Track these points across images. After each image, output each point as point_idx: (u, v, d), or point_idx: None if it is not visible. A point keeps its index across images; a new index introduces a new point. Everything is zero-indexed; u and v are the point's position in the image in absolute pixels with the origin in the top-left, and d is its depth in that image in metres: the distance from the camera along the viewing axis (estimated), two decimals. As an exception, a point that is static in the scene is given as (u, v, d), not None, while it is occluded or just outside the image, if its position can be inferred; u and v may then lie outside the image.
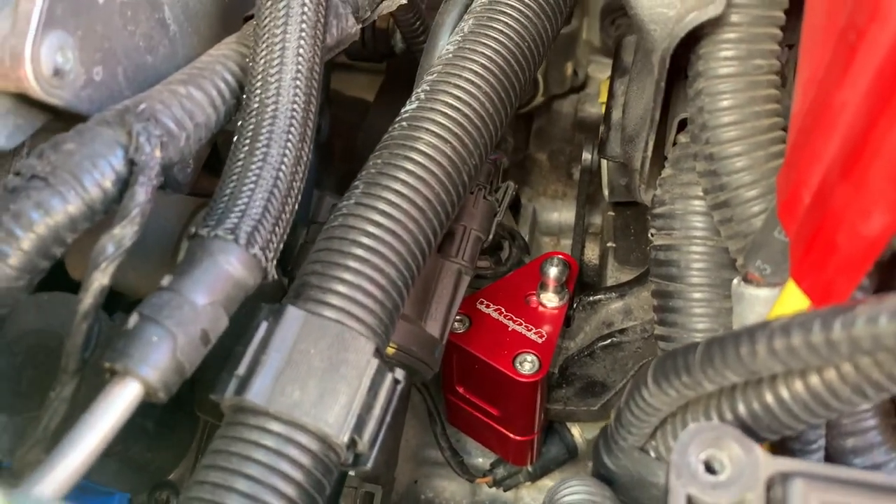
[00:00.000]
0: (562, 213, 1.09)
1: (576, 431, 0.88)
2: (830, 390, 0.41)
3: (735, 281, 0.54)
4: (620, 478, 0.54)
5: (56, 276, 0.54)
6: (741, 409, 0.45)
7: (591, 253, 1.00)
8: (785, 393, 0.43)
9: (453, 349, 0.76)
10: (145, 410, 0.53)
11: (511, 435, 0.82)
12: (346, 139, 1.03)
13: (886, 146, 0.34)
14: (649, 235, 0.63)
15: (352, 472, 0.74)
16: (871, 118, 0.35)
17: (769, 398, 0.44)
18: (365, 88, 1.14)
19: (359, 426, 0.46)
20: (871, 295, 0.44)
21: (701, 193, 0.58)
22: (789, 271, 0.45)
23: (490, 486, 0.90)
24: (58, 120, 0.51)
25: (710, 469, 0.41)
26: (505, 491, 0.91)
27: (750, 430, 0.45)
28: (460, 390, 0.83)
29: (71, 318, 0.44)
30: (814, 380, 0.41)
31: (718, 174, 0.54)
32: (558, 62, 1.10)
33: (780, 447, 0.51)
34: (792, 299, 0.44)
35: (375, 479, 0.76)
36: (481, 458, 0.94)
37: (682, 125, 0.62)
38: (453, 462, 0.89)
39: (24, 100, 0.47)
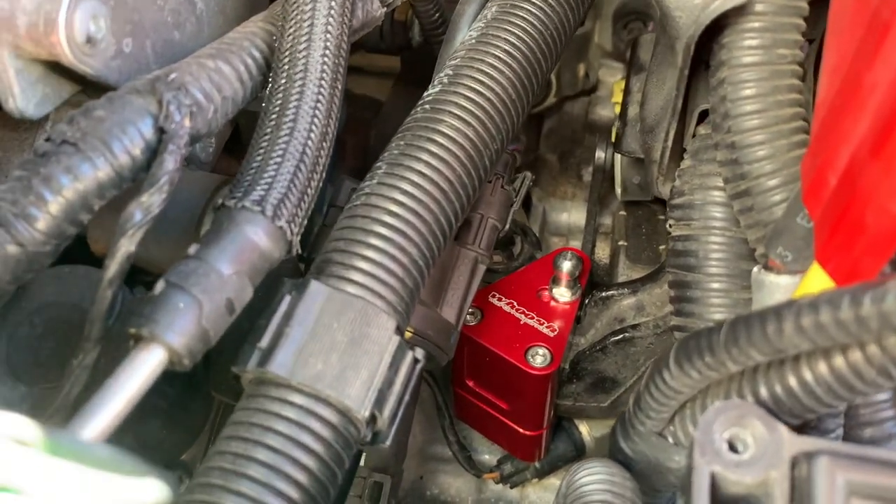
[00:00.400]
0: (571, 214, 1.10)
1: (584, 429, 0.88)
2: (855, 371, 0.41)
3: (755, 269, 0.54)
4: (637, 463, 0.54)
5: (77, 251, 0.54)
6: (763, 391, 0.45)
7: (602, 252, 1.00)
8: (808, 375, 0.43)
9: (465, 341, 0.76)
10: (161, 390, 0.53)
11: (520, 430, 0.82)
12: (357, 136, 1.03)
13: (919, 122, 0.35)
14: (667, 226, 0.63)
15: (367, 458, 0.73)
16: (904, 95, 0.35)
17: (792, 380, 0.44)
18: (376, 90, 1.15)
19: (379, 401, 0.46)
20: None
21: (720, 184, 0.58)
22: (814, 255, 0.45)
23: (497, 482, 0.90)
24: (83, 94, 0.51)
25: (733, 448, 0.41)
26: (511, 488, 0.91)
27: (772, 413, 0.45)
28: (470, 384, 0.82)
29: (92, 290, 0.44)
30: (838, 361, 0.41)
31: (740, 163, 0.54)
32: (570, 63, 1.10)
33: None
34: (816, 281, 0.44)
35: (384, 469, 0.76)
36: (488, 454, 0.93)
37: (701, 118, 0.63)
38: (460, 456, 0.89)
39: (54, 69, 0.47)
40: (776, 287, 0.51)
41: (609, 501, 0.46)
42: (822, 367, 0.42)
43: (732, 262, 0.58)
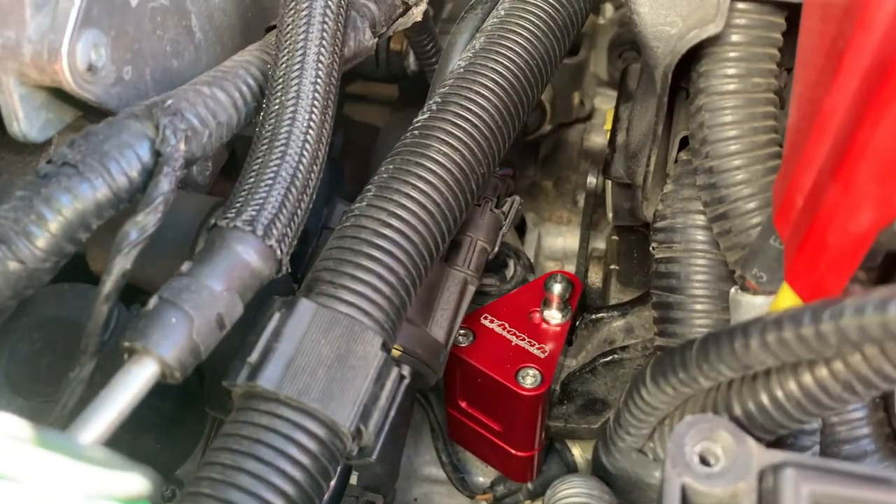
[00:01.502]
0: (566, 239, 1.12)
1: (576, 451, 0.89)
2: (821, 387, 0.43)
3: (733, 290, 0.55)
4: (618, 479, 0.55)
5: (76, 270, 0.56)
6: (736, 408, 0.47)
7: (595, 276, 1.02)
8: (778, 391, 0.44)
9: (456, 362, 0.77)
10: (154, 405, 0.55)
11: (512, 451, 0.83)
12: (356, 162, 1.06)
13: (871, 146, 0.36)
14: (651, 249, 0.65)
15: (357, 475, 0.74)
16: (857, 120, 0.37)
17: (763, 397, 0.45)
18: (376, 118, 1.17)
19: (364, 416, 0.48)
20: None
21: (701, 208, 0.60)
22: (783, 275, 0.47)
23: (490, 504, 0.91)
24: (84, 119, 0.54)
25: (704, 461, 0.42)
26: (504, 509, 0.91)
27: (745, 428, 0.47)
28: (462, 405, 0.84)
29: (90, 307, 0.46)
30: (805, 378, 0.43)
31: (717, 187, 0.56)
32: (566, 91, 1.13)
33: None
34: (786, 300, 0.46)
35: (377, 488, 0.77)
36: (482, 476, 0.94)
37: (683, 144, 0.65)
38: (454, 477, 0.90)
39: (57, 95, 0.50)
40: (752, 307, 0.53)
41: (586, 513, 0.47)
42: (791, 384, 0.44)
43: (713, 283, 0.60)
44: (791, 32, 0.55)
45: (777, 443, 0.50)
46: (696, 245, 0.61)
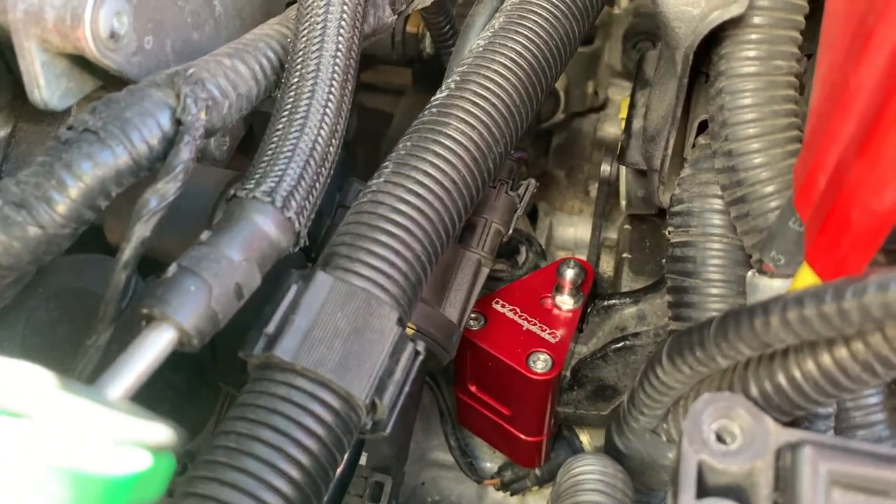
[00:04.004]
0: (577, 229, 1.11)
1: (584, 438, 0.89)
2: (840, 368, 0.42)
3: (749, 273, 0.55)
4: (631, 461, 0.55)
5: (93, 243, 0.56)
6: (752, 388, 0.46)
7: (606, 265, 1.02)
8: (796, 371, 0.44)
9: (468, 346, 0.77)
10: (168, 378, 0.55)
11: (521, 435, 0.83)
12: (369, 148, 1.06)
13: (900, 122, 0.36)
14: (666, 233, 0.64)
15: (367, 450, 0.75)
16: (885, 96, 0.37)
17: (780, 377, 0.45)
18: (388, 106, 1.17)
19: (380, 389, 0.48)
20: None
21: (719, 192, 0.60)
22: (803, 257, 0.47)
23: (497, 489, 0.91)
24: (103, 90, 0.54)
25: (720, 439, 0.42)
26: (511, 495, 0.92)
27: (761, 409, 0.46)
28: (472, 389, 0.84)
29: (106, 277, 0.46)
30: (825, 358, 0.43)
31: (737, 170, 0.56)
32: (580, 80, 1.12)
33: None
34: (805, 281, 0.45)
35: (386, 469, 0.77)
36: (489, 461, 0.94)
37: (701, 129, 0.65)
38: (461, 462, 0.90)
39: (78, 64, 0.50)
40: (769, 290, 0.53)
41: (601, 490, 0.47)
42: (809, 364, 0.43)
43: (729, 267, 0.60)
44: (813, 17, 0.55)
45: (792, 426, 0.50)
46: (712, 229, 0.60)
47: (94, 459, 0.22)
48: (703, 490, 0.41)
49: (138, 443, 0.24)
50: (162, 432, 0.26)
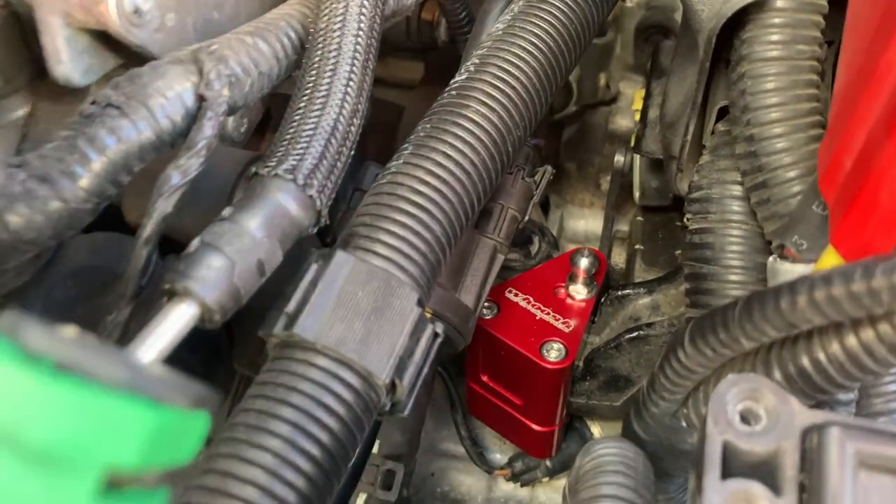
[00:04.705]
0: (588, 222, 1.11)
1: (595, 430, 0.88)
2: (867, 350, 0.42)
3: (771, 258, 0.55)
4: (649, 445, 0.54)
5: (111, 224, 0.56)
6: (776, 373, 0.46)
7: (619, 258, 1.01)
8: (821, 354, 0.44)
9: (480, 335, 0.77)
10: (184, 359, 0.55)
11: (532, 425, 0.83)
12: (381, 140, 1.05)
13: (933, 98, 0.36)
14: (685, 220, 0.64)
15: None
16: (918, 73, 0.37)
17: (804, 360, 0.45)
18: (397, 99, 1.17)
19: (400, 369, 0.48)
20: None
21: (738, 178, 0.60)
22: (828, 240, 0.47)
23: (507, 479, 0.91)
24: (123, 68, 0.53)
25: (745, 420, 0.42)
26: (522, 486, 0.91)
27: (784, 392, 0.46)
28: (484, 378, 0.84)
29: (124, 256, 0.46)
30: (850, 340, 0.42)
31: (758, 155, 0.55)
32: (592, 72, 1.12)
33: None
34: (830, 263, 0.45)
35: (398, 457, 0.77)
36: (499, 453, 0.94)
37: (720, 115, 0.64)
38: (472, 451, 0.90)
39: (100, 40, 0.50)
40: (791, 275, 0.53)
41: (623, 473, 0.46)
42: (835, 346, 0.43)
43: (749, 254, 0.59)
44: (835, 2, 0.55)
45: (813, 411, 0.50)
46: (731, 216, 0.60)
47: (132, 412, 0.22)
48: (727, 471, 0.41)
49: (175, 399, 0.23)
50: (200, 392, 0.26)
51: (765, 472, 0.41)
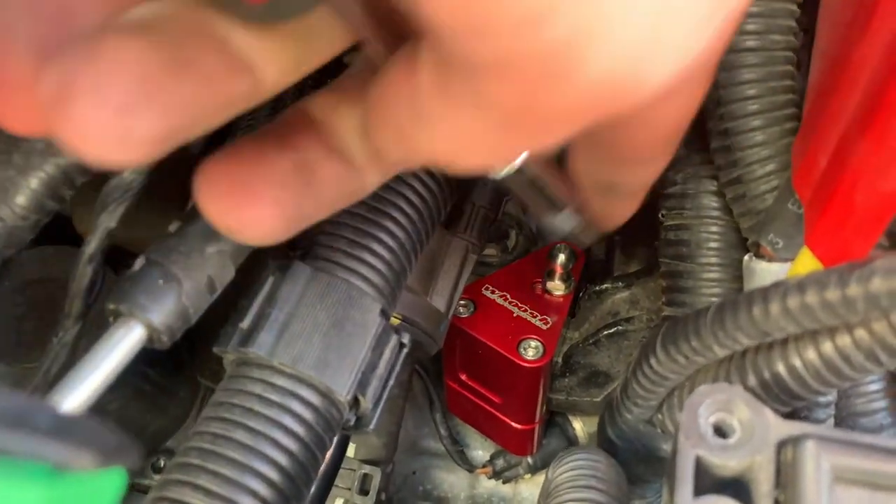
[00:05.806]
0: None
1: (577, 425, 0.87)
2: (843, 357, 0.40)
3: (746, 257, 0.53)
4: (624, 452, 0.53)
5: (63, 234, 0.54)
6: (751, 378, 0.45)
7: (598, 250, 1.00)
8: (796, 360, 0.42)
9: (457, 333, 0.75)
10: (143, 372, 0.53)
11: (512, 423, 0.82)
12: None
13: (908, 97, 0.34)
14: (660, 216, 0.62)
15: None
16: (891, 69, 0.35)
17: (780, 366, 0.43)
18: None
19: (363, 384, 0.46)
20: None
21: (714, 173, 0.58)
22: (803, 240, 0.45)
23: (489, 477, 0.90)
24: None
25: (719, 433, 0.40)
26: (504, 483, 0.90)
27: (760, 400, 0.44)
28: (462, 377, 0.82)
29: (75, 269, 0.44)
30: (826, 347, 0.41)
31: (733, 150, 0.53)
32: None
33: (789, 426, 0.50)
34: (805, 265, 0.43)
35: (375, 461, 0.75)
36: (481, 450, 0.93)
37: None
38: (452, 451, 0.88)
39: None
40: (767, 274, 0.51)
41: (593, 487, 0.45)
42: (811, 353, 0.42)
43: (725, 251, 0.58)
44: (810, -11, 0.53)
45: (791, 416, 0.48)
46: (708, 212, 0.58)
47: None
48: (700, 486, 0.39)
49: (80, 461, 0.21)
50: (112, 442, 0.24)
51: (739, 487, 0.40)
